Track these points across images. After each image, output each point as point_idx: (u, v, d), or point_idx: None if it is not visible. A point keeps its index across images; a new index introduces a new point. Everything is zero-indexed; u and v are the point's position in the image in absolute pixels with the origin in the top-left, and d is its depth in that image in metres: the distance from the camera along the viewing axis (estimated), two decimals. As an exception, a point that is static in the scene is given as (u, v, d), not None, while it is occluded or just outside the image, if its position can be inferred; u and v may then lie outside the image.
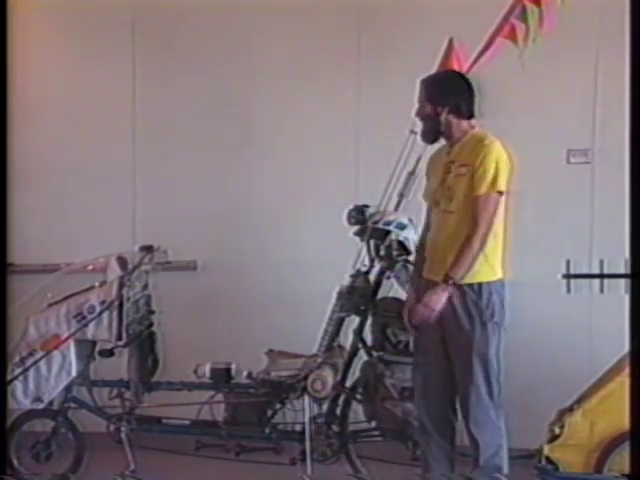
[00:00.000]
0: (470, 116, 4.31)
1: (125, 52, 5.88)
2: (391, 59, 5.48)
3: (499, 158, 4.16)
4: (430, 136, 4.37)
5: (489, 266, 4.24)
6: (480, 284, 4.21)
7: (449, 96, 4.28)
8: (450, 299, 4.20)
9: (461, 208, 4.20)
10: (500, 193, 4.17)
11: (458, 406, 4.36)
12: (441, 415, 4.39)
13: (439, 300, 4.17)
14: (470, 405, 4.24)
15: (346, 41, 5.61)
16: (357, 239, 4.82)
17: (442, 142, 4.41)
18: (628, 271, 4.83)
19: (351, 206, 4.85)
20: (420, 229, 4.65)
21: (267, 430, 4.86)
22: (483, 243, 4.15)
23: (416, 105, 4.37)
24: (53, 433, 4.96)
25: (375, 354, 4.77)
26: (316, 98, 5.64)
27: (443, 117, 4.27)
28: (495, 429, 4.27)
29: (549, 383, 5.16)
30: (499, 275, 4.28)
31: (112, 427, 4.95)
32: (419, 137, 4.44)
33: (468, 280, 4.19)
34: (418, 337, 4.43)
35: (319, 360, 4.78)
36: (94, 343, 4.95)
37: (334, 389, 4.77)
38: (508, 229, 4.33)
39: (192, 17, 5.80)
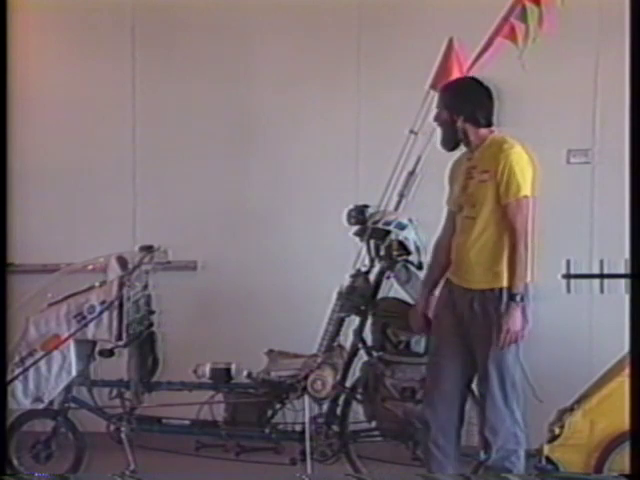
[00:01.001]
0: (488, 124, 4.30)
1: (125, 52, 5.88)
2: (391, 59, 5.48)
3: (519, 162, 4.17)
4: (449, 143, 4.35)
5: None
6: (501, 289, 4.18)
7: (465, 104, 4.27)
8: (471, 303, 4.21)
9: (484, 214, 4.20)
10: (526, 197, 4.18)
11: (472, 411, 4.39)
12: (447, 417, 4.38)
13: (517, 319, 4.12)
14: (486, 410, 4.25)
15: (346, 41, 5.61)
16: (357, 239, 4.82)
17: (462, 149, 4.39)
18: (628, 271, 4.83)
19: (351, 206, 4.85)
20: (419, 229, 4.66)
21: (267, 430, 4.86)
22: (527, 248, 4.15)
23: (435, 111, 4.38)
24: (53, 433, 4.96)
25: (375, 354, 4.77)
26: (316, 98, 5.64)
27: (459, 125, 4.27)
28: (509, 435, 4.24)
29: (549, 383, 5.15)
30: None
31: (112, 427, 4.95)
32: (439, 144, 4.40)
33: (491, 285, 4.19)
34: (436, 338, 4.43)
35: (319, 360, 4.78)
36: (94, 343, 4.94)
37: (334, 389, 4.77)
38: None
39: (192, 17, 5.80)
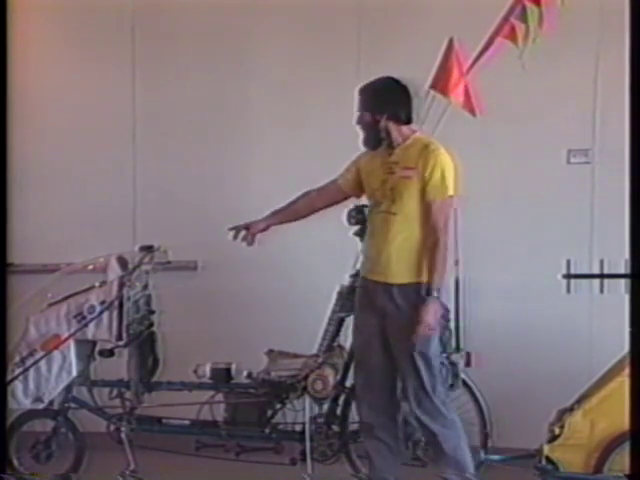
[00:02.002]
0: (409, 121, 4.40)
1: (125, 52, 5.88)
2: (391, 59, 5.48)
3: (446, 164, 4.29)
4: (372, 143, 4.45)
5: None
6: (421, 283, 4.27)
7: (386, 103, 4.36)
8: (391, 297, 4.29)
9: (405, 210, 4.30)
10: (451, 197, 4.30)
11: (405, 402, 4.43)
12: (385, 412, 4.46)
13: (433, 314, 4.24)
14: (419, 399, 4.32)
15: (346, 41, 5.62)
16: (357, 239, 4.82)
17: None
18: (628, 271, 4.83)
19: (351, 206, 4.85)
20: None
21: (267, 430, 4.86)
22: (447, 245, 4.28)
23: (355, 114, 4.44)
24: (53, 433, 4.96)
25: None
26: (316, 98, 5.64)
27: (382, 124, 4.35)
28: (449, 422, 4.34)
29: (549, 383, 5.16)
30: None
31: (112, 427, 4.95)
32: (361, 144, 4.49)
33: (411, 279, 4.28)
34: (357, 337, 4.53)
35: (319, 360, 4.78)
36: (94, 343, 4.94)
37: (334, 389, 4.77)
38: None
39: (192, 17, 5.80)
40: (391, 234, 4.33)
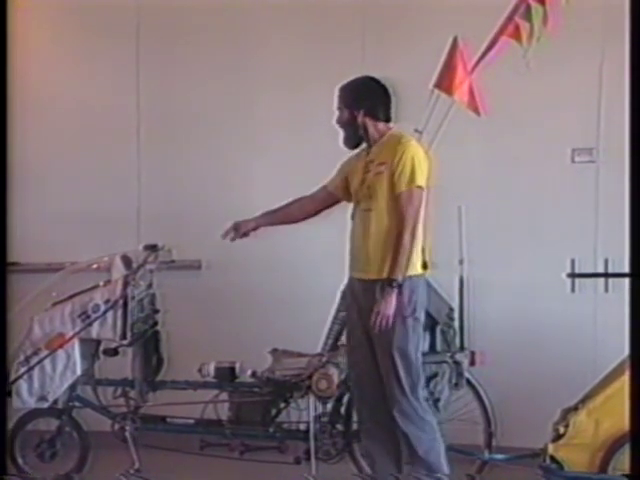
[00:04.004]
0: (387, 119, 4.43)
1: (129, 52, 5.89)
2: (395, 59, 5.47)
3: (416, 154, 4.28)
4: (351, 141, 4.48)
5: (410, 261, 4.29)
6: (403, 279, 4.26)
7: (364, 100, 4.40)
8: (373, 294, 4.28)
9: (380, 205, 4.32)
10: (420, 188, 4.27)
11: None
12: (382, 412, 4.42)
13: (389, 304, 4.23)
14: (395, 399, 4.32)
15: (350, 41, 5.61)
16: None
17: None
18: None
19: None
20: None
21: (271, 429, 4.86)
22: (414, 237, 4.26)
23: (335, 113, 4.48)
24: (58, 432, 4.97)
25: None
26: (320, 99, 5.62)
27: (360, 120, 4.39)
28: (423, 423, 4.33)
29: (554, 382, 5.15)
30: (418, 270, 4.35)
31: (117, 426, 4.96)
32: (341, 143, 4.51)
33: (388, 276, 4.25)
34: (348, 337, 4.55)
35: (323, 359, 4.78)
36: (98, 342, 4.95)
37: (338, 388, 4.77)
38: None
39: (196, 17, 5.80)
40: (368, 231, 4.36)
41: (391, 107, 4.45)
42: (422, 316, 4.40)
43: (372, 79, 4.49)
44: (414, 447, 4.33)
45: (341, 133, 4.49)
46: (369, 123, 4.40)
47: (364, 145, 4.49)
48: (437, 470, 4.32)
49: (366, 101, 4.40)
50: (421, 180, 4.27)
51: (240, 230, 4.75)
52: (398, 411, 4.32)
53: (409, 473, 4.40)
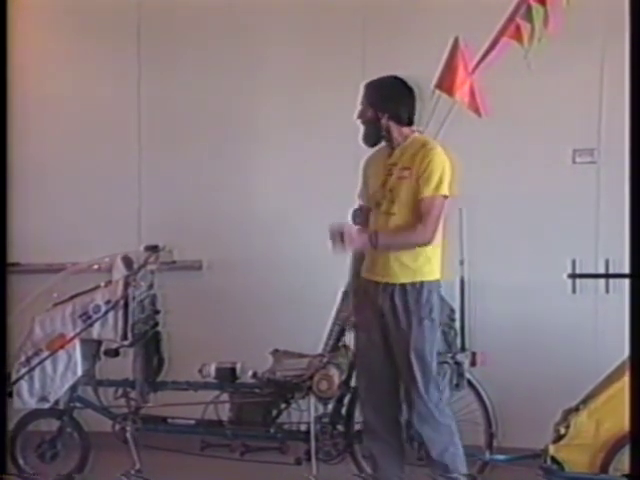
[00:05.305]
0: (410, 123, 4.39)
1: (131, 52, 5.88)
2: (396, 59, 5.47)
3: (443, 163, 4.26)
4: (371, 139, 4.43)
5: (431, 267, 4.33)
6: (422, 283, 4.28)
7: (389, 102, 4.35)
8: (391, 297, 4.28)
9: (403, 210, 4.29)
10: (445, 197, 4.26)
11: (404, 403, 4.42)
12: (389, 414, 4.44)
13: (356, 242, 4.24)
14: (412, 401, 4.31)
15: (351, 41, 5.61)
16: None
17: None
18: (633, 271, 4.83)
19: (356, 206, 4.85)
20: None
21: (272, 430, 4.87)
22: (424, 242, 4.25)
23: (358, 108, 4.42)
24: (59, 433, 4.97)
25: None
26: (321, 99, 5.64)
27: (383, 122, 4.34)
28: (438, 426, 4.32)
29: (555, 383, 5.15)
30: (438, 276, 4.37)
31: (117, 427, 4.96)
32: (360, 140, 4.47)
33: (411, 279, 4.27)
34: (359, 338, 4.51)
35: (324, 360, 4.78)
36: (99, 343, 4.95)
37: (339, 389, 4.77)
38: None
39: (197, 16, 5.80)
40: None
41: (416, 110, 4.40)
42: (438, 318, 4.37)
43: (400, 80, 4.43)
44: (428, 448, 4.32)
45: (361, 129, 4.43)
46: (393, 126, 4.35)
47: (383, 144, 4.44)
48: (452, 471, 4.30)
49: (391, 103, 4.34)
50: (443, 189, 4.24)
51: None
52: (414, 413, 4.31)
53: (426, 473, 4.39)
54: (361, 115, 4.43)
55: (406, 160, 4.32)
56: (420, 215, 4.23)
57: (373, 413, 4.48)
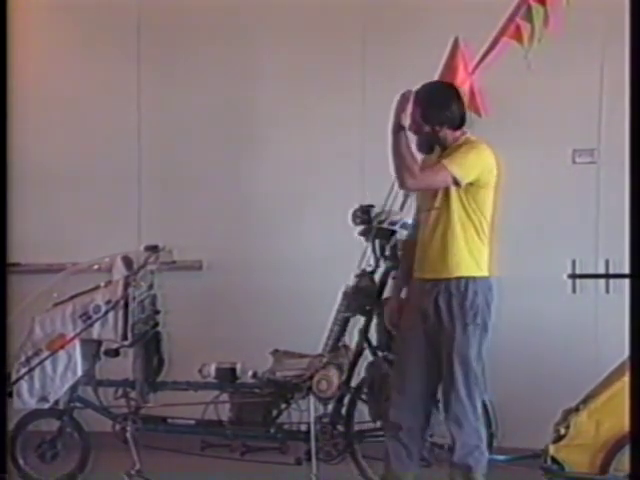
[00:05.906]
0: (462, 124, 4.30)
1: (130, 52, 5.90)
2: (396, 59, 5.48)
3: (479, 152, 4.18)
4: (426, 147, 4.33)
5: (473, 261, 4.21)
6: (467, 282, 4.18)
7: (445, 113, 4.24)
8: (435, 299, 4.21)
9: (445, 204, 4.20)
10: (456, 183, 4.13)
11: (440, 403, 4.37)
12: (417, 419, 4.36)
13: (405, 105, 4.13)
14: (450, 405, 4.25)
15: (351, 42, 5.62)
16: (362, 239, 4.82)
17: None
18: (633, 271, 4.83)
19: (356, 206, 4.85)
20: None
21: (272, 430, 4.86)
22: (405, 183, 4.15)
23: (408, 120, 4.19)
24: (59, 433, 4.96)
25: (380, 354, 4.77)
26: (322, 99, 5.65)
27: (441, 135, 4.25)
28: (472, 430, 4.26)
29: (555, 383, 5.16)
30: (484, 272, 4.24)
31: (118, 427, 4.95)
32: (415, 149, 4.31)
33: (453, 274, 4.18)
34: (400, 335, 4.44)
35: (324, 360, 4.78)
36: (100, 343, 4.95)
37: (339, 389, 4.77)
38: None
39: (197, 17, 5.81)
40: (432, 230, 4.25)
41: (465, 110, 4.32)
42: (489, 323, 4.23)
43: (449, 86, 4.39)
44: (456, 450, 4.25)
45: (415, 139, 4.29)
46: (448, 133, 4.26)
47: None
48: (472, 471, 4.23)
49: (447, 114, 4.23)
50: (464, 176, 4.11)
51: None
52: (452, 422, 4.24)
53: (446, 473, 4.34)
54: (417, 131, 4.28)
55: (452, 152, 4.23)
56: (429, 170, 4.16)
57: (400, 414, 4.35)
